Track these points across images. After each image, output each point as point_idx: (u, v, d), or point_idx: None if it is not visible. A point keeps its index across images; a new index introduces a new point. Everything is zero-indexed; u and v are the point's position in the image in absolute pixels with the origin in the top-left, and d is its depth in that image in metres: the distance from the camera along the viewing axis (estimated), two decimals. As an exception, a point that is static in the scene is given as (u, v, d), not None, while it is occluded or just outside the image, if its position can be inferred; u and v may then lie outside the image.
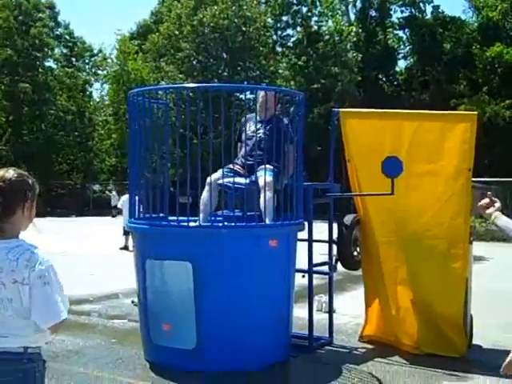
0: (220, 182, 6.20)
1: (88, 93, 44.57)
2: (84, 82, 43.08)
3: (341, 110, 7.09)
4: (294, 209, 6.11)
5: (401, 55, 42.81)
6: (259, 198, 6.00)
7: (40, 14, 39.10)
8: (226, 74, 35.21)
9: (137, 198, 6.45)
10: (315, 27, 38.89)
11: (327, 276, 6.95)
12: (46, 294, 2.51)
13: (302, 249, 6.49)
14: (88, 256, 14.45)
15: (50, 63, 41.72)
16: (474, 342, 6.64)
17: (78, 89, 41.50)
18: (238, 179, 6.11)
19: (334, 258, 6.87)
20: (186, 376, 5.48)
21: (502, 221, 3.36)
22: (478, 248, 8.83)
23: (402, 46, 42.81)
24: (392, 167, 5.95)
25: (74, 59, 45.24)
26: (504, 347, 6.60)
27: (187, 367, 5.60)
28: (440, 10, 40.04)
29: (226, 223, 6.00)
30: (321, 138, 24.05)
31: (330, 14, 39.21)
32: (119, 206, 17.35)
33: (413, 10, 40.97)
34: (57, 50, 43.16)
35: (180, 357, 5.71)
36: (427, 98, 36.91)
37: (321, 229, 6.92)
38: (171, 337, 5.79)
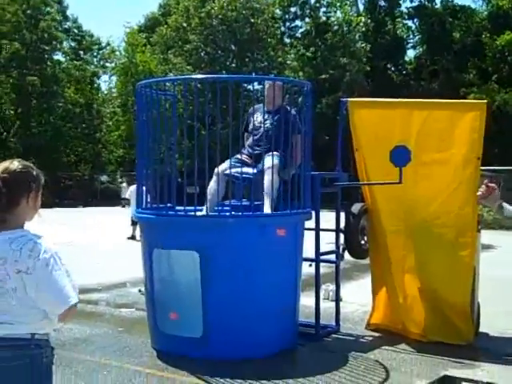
0: (227, 172, 6.20)
1: (96, 85, 44.66)
2: (92, 75, 43.14)
3: (349, 99, 7.08)
4: (302, 198, 6.11)
5: (410, 45, 42.72)
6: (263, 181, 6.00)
7: (48, 8, 39.14)
8: (234, 65, 35.20)
9: (144, 188, 6.47)
10: (324, 18, 38.78)
11: (334, 265, 6.95)
12: (53, 281, 2.53)
13: (309, 238, 6.49)
14: (95, 246, 14.52)
15: (58, 56, 41.86)
16: (482, 329, 6.63)
17: (86, 81, 41.56)
18: (246, 169, 6.12)
19: (341, 247, 6.87)
20: (192, 364, 5.49)
21: (508, 211, 3.35)
22: (487, 236, 8.80)
23: (411, 36, 42.67)
24: (400, 156, 5.94)
25: (82, 52, 45.33)
26: (511, 335, 6.64)
27: (194, 355, 5.62)
28: (449, -1, 39.86)
29: (233, 213, 6.01)
30: (329, 127, 24.03)
31: (338, 4, 39.04)
32: (127, 196, 17.41)
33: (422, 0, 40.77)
34: (65, 44, 43.25)
35: (187, 345, 5.74)
36: (436, 87, 36.75)
37: (328, 217, 6.92)
38: (178, 325, 5.81)
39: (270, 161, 5.98)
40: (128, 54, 37.08)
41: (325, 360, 5.93)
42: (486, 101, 6.90)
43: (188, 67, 33.71)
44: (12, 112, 37.46)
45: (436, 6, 40.34)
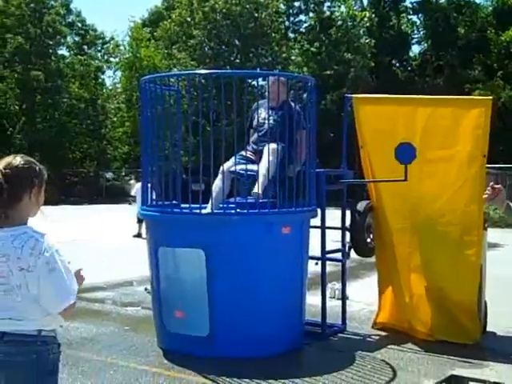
0: (232, 169, 6.17)
1: (100, 80, 44.59)
2: (96, 69, 43.06)
3: (354, 95, 7.04)
4: (307, 195, 6.08)
5: (414, 40, 42.52)
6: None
7: (52, 2, 39.08)
8: (238, 60, 35.12)
9: (149, 185, 6.45)
10: (328, 13, 38.63)
11: (340, 263, 6.94)
12: (54, 280, 2.55)
13: (314, 236, 6.47)
14: (101, 244, 14.51)
15: (62, 51, 41.83)
16: (488, 328, 6.60)
17: (91, 76, 41.50)
18: (250, 166, 6.09)
19: (347, 245, 6.84)
20: (199, 363, 5.49)
21: None
22: (493, 235, 8.78)
23: (415, 31, 42.51)
24: (405, 153, 5.92)
25: (86, 47, 45.28)
26: (518, 334, 6.61)
27: (200, 354, 5.61)
28: (454, -6, 39.63)
29: (238, 210, 5.99)
30: (334, 124, 23.97)
31: (342, -1, 38.92)
32: (133, 193, 17.40)
33: (426, -6, 40.58)
34: (69, 38, 43.19)
35: (193, 344, 5.73)
36: (441, 83, 36.61)
37: (334, 215, 6.89)
38: (184, 324, 5.81)
39: (271, 146, 5.97)
40: (132, 49, 37.02)
41: (331, 359, 5.92)
42: (491, 97, 6.85)
43: (192, 62, 33.67)
44: (17, 108, 37.43)
45: (441, 1, 40.13)
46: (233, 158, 6.19)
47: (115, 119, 41.20)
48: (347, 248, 6.86)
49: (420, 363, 5.73)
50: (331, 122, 25.80)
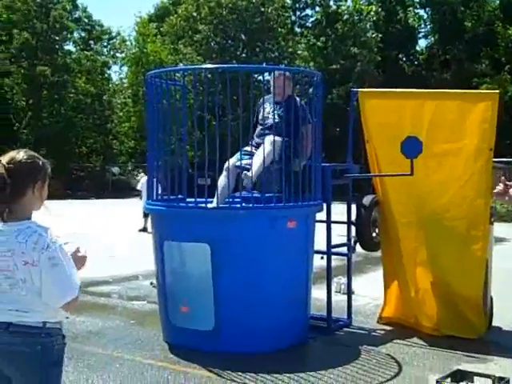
0: (238, 164, 6.17)
1: (107, 75, 44.61)
2: (102, 65, 43.08)
3: (360, 90, 7.02)
4: (313, 189, 6.07)
5: (421, 34, 42.34)
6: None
7: (58, -3, 39.10)
8: (244, 55, 35.07)
9: (155, 179, 6.45)
10: (334, 7, 38.45)
11: (346, 257, 6.93)
12: (56, 275, 2.56)
13: (320, 230, 6.46)
14: (107, 238, 14.54)
15: (68, 46, 41.85)
16: (494, 323, 6.59)
17: (97, 71, 41.52)
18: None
19: (352, 240, 6.83)
20: (204, 357, 5.49)
21: None
22: (500, 229, 8.76)
23: (422, 25, 42.29)
24: (411, 148, 5.90)
25: (92, 42, 45.31)
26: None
27: (206, 348, 5.62)
28: (461, -12, 39.41)
29: (243, 204, 5.99)
30: (340, 118, 23.88)
31: (348, -8, 38.77)
32: (139, 187, 17.41)
33: (434, -12, 40.36)
34: (75, 34, 43.23)
35: (198, 338, 5.74)
36: (448, 77, 36.46)
37: (339, 210, 6.88)
38: (190, 318, 5.81)
39: (270, 137, 5.97)
40: (139, 44, 37.02)
41: (336, 354, 5.91)
42: (497, 91, 6.82)
43: (198, 57, 33.65)
44: (23, 103, 37.48)
45: (448, -5, 39.96)
46: (237, 153, 6.19)
47: (121, 114, 41.20)
48: (353, 242, 6.85)
49: (425, 358, 5.72)
50: (337, 116, 25.76)
